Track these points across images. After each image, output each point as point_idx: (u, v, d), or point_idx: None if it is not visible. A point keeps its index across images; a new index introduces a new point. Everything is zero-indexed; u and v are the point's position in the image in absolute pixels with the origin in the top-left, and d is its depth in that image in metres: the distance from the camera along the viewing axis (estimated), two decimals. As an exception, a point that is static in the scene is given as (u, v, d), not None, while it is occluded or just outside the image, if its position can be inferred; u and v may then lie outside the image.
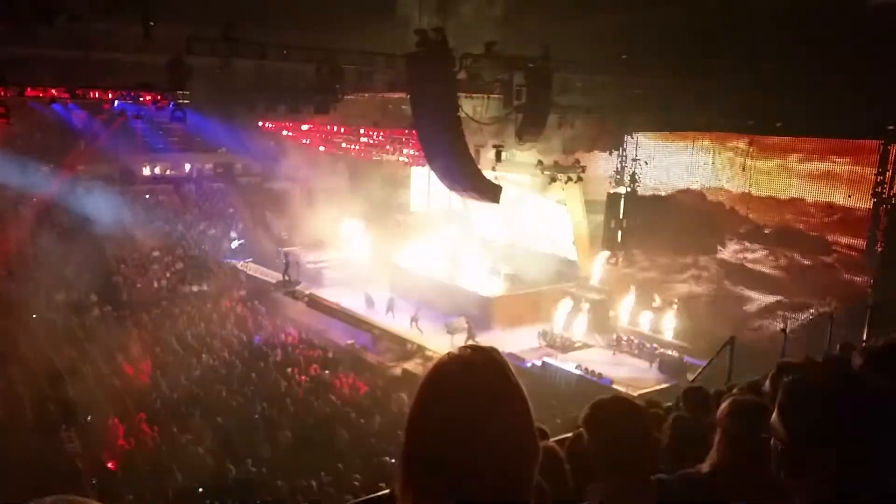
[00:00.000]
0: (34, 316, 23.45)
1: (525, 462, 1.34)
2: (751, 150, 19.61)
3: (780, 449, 1.60)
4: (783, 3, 14.68)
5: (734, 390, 4.99)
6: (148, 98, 16.17)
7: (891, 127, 15.82)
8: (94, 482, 13.68)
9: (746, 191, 20.31)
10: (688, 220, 21.27)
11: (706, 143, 20.91)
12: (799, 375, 1.76)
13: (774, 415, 1.66)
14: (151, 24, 13.13)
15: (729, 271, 21.33)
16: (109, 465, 14.19)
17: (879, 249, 16.48)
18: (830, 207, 18.61)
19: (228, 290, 28.10)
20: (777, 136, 18.71)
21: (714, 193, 21.37)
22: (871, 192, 16.68)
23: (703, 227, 21.56)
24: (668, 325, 20.93)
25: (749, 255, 20.94)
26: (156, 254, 29.51)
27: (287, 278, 27.91)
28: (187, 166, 36.15)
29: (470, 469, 1.28)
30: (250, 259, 30.86)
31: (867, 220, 17.00)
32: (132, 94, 16.45)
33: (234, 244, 32.08)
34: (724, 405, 2.96)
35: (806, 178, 18.90)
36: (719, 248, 21.77)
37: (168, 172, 35.67)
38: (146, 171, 35.02)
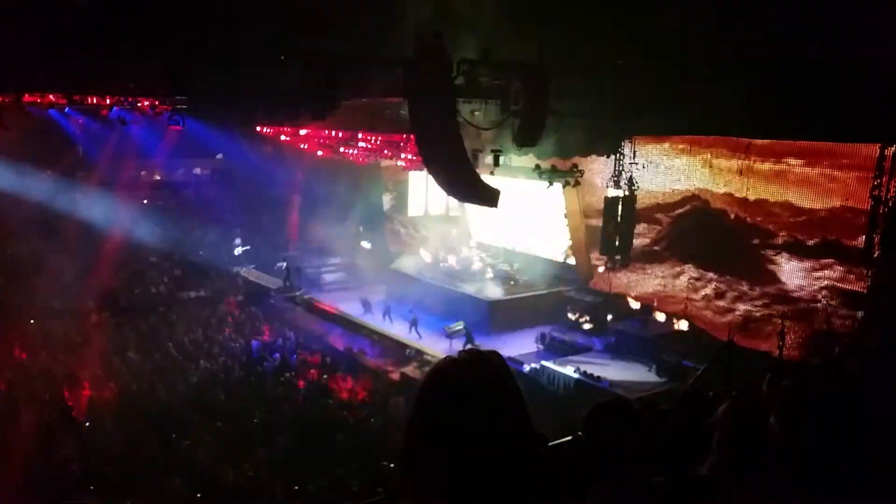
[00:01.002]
0: (31, 321, 23.43)
1: (522, 465, 1.35)
2: (749, 153, 19.57)
3: (778, 451, 1.62)
4: (778, 6, 14.70)
5: (732, 393, 5.00)
6: (146, 104, 16.20)
7: (888, 130, 15.84)
8: (91, 487, 13.66)
9: (744, 195, 20.16)
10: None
11: (703, 150, 20.81)
12: (796, 379, 1.77)
13: (772, 418, 1.67)
14: (149, 30, 13.12)
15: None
16: (107, 470, 14.15)
17: (877, 253, 16.47)
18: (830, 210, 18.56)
19: (226, 295, 28.11)
20: (775, 140, 18.70)
21: (717, 199, 20.98)
22: (868, 194, 16.66)
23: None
24: (668, 328, 20.93)
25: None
26: (153, 259, 29.50)
27: (288, 284, 27.91)
28: (184, 171, 36.19)
29: (468, 472, 1.29)
30: (254, 266, 30.82)
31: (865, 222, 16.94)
32: (130, 99, 16.48)
33: (239, 251, 32.02)
34: (721, 408, 2.97)
35: (804, 182, 18.83)
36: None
37: (166, 178, 35.73)
38: (143, 177, 35.07)
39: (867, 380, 1.78)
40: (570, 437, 3.99)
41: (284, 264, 28.19)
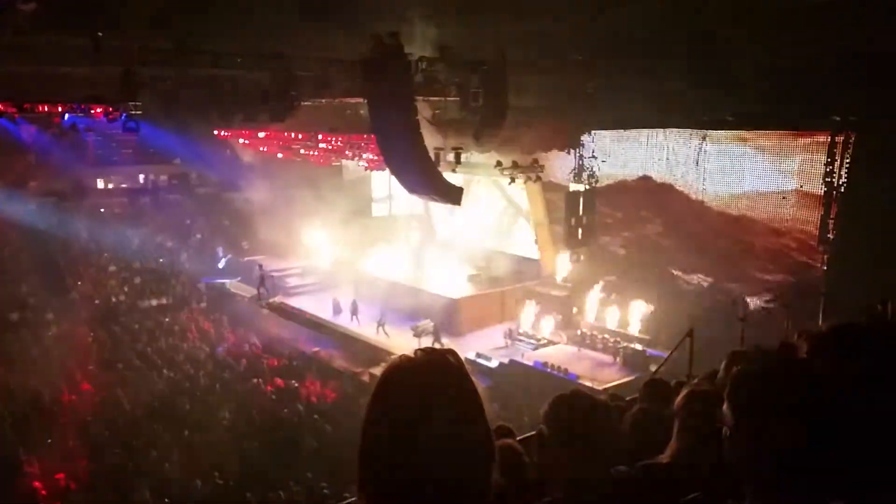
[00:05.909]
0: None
1: (479, 463, 1.36)
2: (704, 144, 19.89)
3: (728, 435, 1.65)
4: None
5: (693, 381, 5.07)
6: (99, 110, 15.84)
7: (837, 118, 16.24)
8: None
9: (702, 187, 20.41)
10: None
11: (661, 138, 21.07)
12: (747, 363, 1.81)
13: (724, 403, 1.71)
14: (101, 34, 12.85)
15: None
16: (71, 485, 13.85)
17: (831, 237, 16.87)
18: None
19: (188, 302, 27.69)
20: (729, 130, 19.06)
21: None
22: (821, 181, 17.07)
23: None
24: (633, 319, 21.18)
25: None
26: (112, 269, 28.92)
27: (264, 291, 27.55)
28: (142, 178, 35.55)
29: (422, 470, 1.30)
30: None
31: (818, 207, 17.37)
32: (83, 106, 16.11)
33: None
34: (680, 396, 3.02)
35: (759, 171, 19.23)
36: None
37: (122, 185, 35.06)
38: (100, 185, 34.36)
39: (814, 362, 1.83)
40: (535, 432, 4.02)
41: (259, 272, 27.83)
